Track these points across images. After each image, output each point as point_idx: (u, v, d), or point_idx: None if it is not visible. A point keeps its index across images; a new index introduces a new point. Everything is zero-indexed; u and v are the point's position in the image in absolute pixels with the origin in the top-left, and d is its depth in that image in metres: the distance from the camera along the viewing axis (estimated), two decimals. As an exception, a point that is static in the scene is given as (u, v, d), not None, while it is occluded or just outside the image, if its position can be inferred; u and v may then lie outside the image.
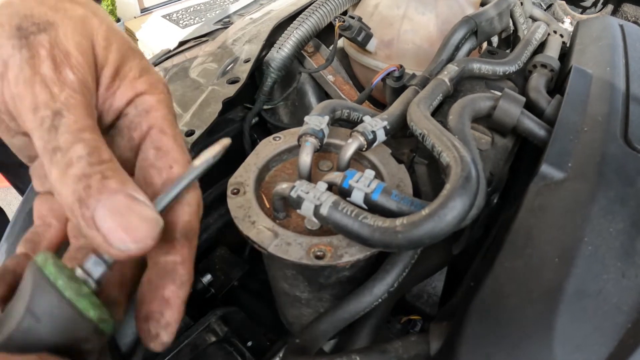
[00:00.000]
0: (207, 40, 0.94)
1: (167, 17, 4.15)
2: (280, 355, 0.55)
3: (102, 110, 0.28)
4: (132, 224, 0.22)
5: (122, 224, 0.22)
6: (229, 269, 0.73)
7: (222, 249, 0.76)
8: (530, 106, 0.53)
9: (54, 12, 0.26)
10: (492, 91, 0.57)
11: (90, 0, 0.29)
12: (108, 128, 0.29)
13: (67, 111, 0.24)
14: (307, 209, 0.36)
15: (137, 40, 4.03)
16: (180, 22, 4.06)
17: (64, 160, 0.23)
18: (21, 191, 1.54)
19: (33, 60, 0.24)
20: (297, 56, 0.81)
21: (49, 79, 0.24)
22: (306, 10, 0.78)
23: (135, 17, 4.20)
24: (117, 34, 0.29)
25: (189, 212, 0.27)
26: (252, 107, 0.78)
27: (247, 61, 0.73)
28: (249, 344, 0.58)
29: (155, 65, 0.87)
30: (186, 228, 0.27)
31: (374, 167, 0.47)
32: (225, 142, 0.26)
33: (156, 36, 3.90)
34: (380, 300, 0.41)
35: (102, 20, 0.28)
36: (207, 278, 0.68)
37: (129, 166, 0.29)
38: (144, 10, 4.26)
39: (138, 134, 0.28)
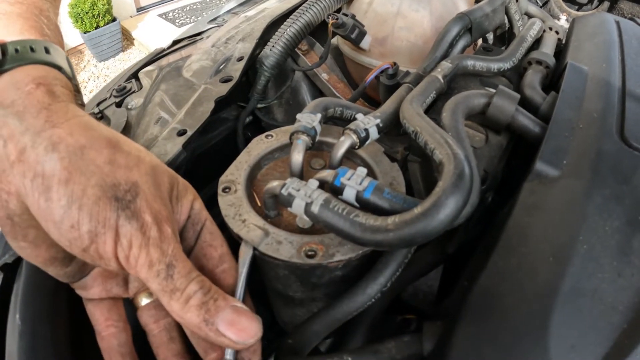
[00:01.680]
0: (201, 39, 0.94)
1: (163, 16, 4.14)
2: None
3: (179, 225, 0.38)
4: (245, 326, 0.31)
5: (239, 328, 0.31)
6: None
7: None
8: (525, 103, 0.53)
9: (129, 171, 0.32)
10: (487, 88, 0.57)
11: (133, 142, 0.36)
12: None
13: (176, 261, 0.32)
14: (298, 207, 0.35)
15: (134, 39, 4.02)
16: (177, 21, 4.06)
17: (183, 297, 0.31)
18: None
19: (143, 228, 0.31)
20: (291, 54, 0.80)
21: (158, 239, 0.31)
22: (300, 7, 0.78)
23: (131, 17, 4.19)
24: (163, 166, 0.36)
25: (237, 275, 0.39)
26: (246, 106, 0.77)
27: (240, 59, 0.72)
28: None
29: (149, 63, 0.87)
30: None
31: (366, 165, 0.46)
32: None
33: (152, 35, 3.90)
34: (373, 299, 0.40)
35: (155, 160, 0.36)
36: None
37: (192, 245, 0.39)
38: (140, 10, 4.26)
39: (199, 226, 0.39)
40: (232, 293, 0.37)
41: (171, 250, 0.32)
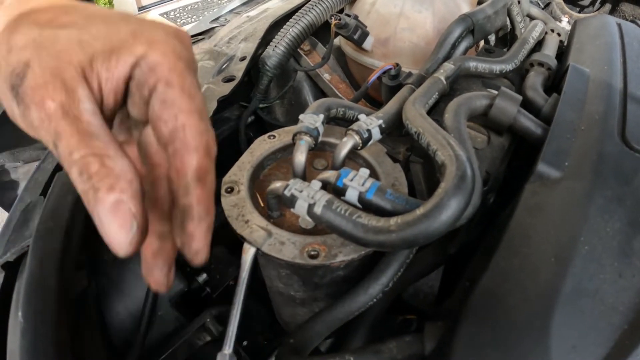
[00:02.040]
0: (203, 39, 0.94)
1: (165, 16, 4.14)
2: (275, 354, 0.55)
3: (109, 87, 0.29)
4: (112, 233, 0.25)
5: (106, 233, 0.25)
6: (224, 268, 0.72)
7: (218, 248, 0.75)
8: (527, 105, 0.53)
9: (27, 51, 0.28)
10: (489, 90, 0.57)
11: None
12: (124, 96, 0.30)
13: (59, 140, 0.26)
14: (300, 207, 0.35)
15: (135, 38, 4.02)
16: (178, 20, 4.05)
17: (72, 174, 0.26)
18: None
19: (27, 111, 0.27)
20: (294, 54, 0.80)
21: (38, 121, 0.26)
22: (302, 8, 0.78)
23: (132, 16, 4.18)
24: (95, 25, 0.29)
25: (196, 158, 0.29)
26: (248, 106, 0.77)
27: (242, 59, 0.72)
28: (244, 343, 0.58)
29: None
30: (197, 173, 0.29)
31: (369, 165, 0.47)
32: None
33: (154, 35, 3.89)
34: (375, 300, 0.40)
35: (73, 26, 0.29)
36: (203, 277, 0.67)
37: (144, 119, 0.31)
38: (142, 9, 4.25)
39: (147, 91, 0.29)
40: (189, 213, 0.30)
41: (53, 129, 0.26)
